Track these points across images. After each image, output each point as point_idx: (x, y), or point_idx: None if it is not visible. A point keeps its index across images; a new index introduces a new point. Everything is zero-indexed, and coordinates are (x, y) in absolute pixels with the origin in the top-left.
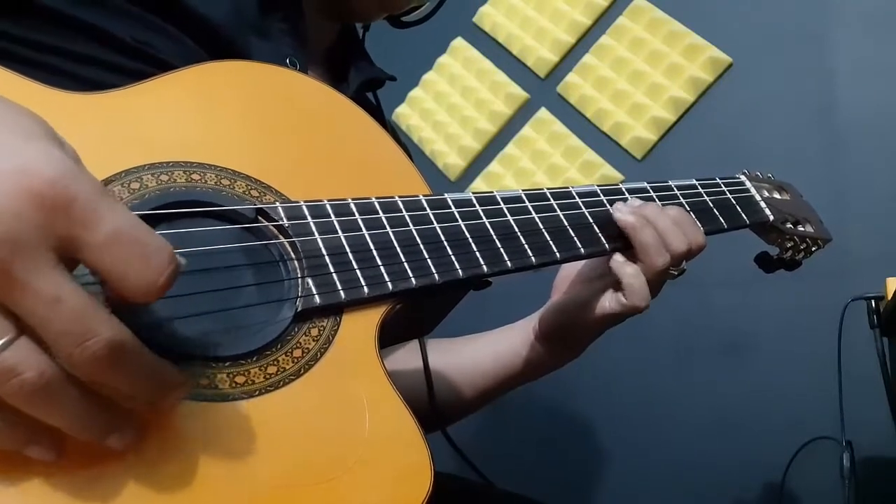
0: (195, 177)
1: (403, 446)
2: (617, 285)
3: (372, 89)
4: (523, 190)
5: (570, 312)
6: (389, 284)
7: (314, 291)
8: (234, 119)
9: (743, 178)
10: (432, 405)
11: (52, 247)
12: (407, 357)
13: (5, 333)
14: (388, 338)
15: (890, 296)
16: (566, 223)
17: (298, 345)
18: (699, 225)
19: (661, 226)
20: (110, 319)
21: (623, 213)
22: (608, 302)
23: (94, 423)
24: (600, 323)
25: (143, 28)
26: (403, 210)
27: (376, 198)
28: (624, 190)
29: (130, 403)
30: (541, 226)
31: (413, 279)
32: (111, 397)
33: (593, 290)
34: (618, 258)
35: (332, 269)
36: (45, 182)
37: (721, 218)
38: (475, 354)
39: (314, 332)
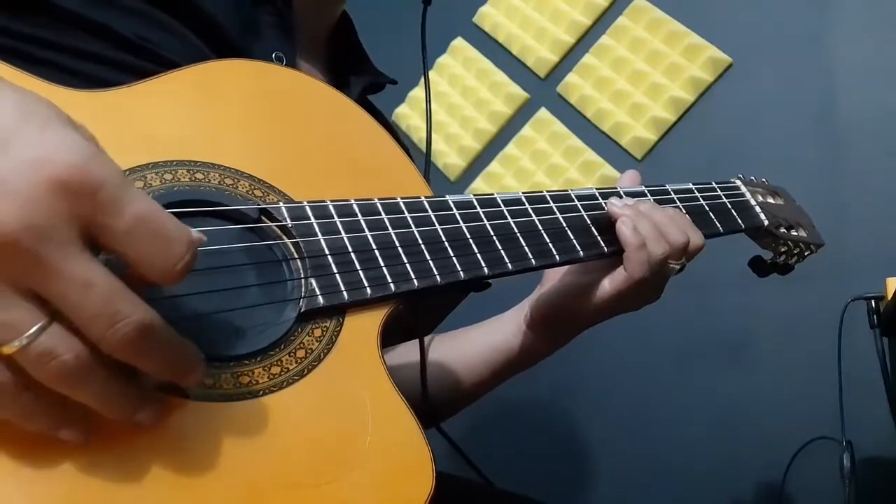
0: (199, 176)
1: (405, 447)
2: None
3: (373, 93)
4: (523, 192)
5: (565, 300)
6: (392, 286)
7: (317, 292)
8: (238, 118)
9: (738, 182)
10: (427, 404)
11: (78, 232)
12: (403, 351)
13: (39, 319)
14: (390, 338)
15: (890, 296)
16: (565, 225)
17: (302, 345)
18: (694, 226)
19: (657, 218)
20: (139, 301)
21: (618, 206)
22: (607, 283)
23: (124, 400)
24: (597, 310)
25: (147, 25)
26: (405, 211)
27: (379, 199)
28: (622, 194)
29: (156, 381)
30: (540, 228)
31: (415, 280)
32: (138, 375)
33: (590, 279)
34: (625, 224)
35: (335, 270)
36: (68, 169)
37: (717, 222)
38: (468, 346)
39: (317, 332)
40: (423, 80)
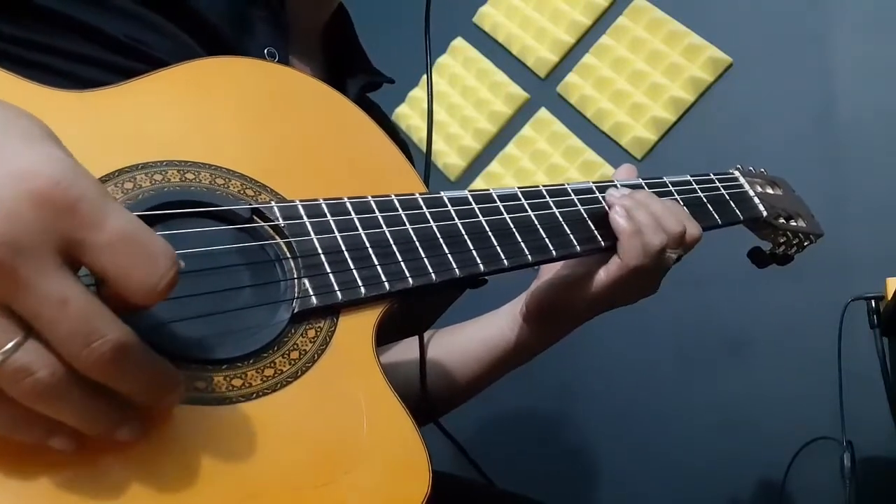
0: (189, 176)
1: (401, 447)
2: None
3: (370, 91)
4: (519, 187)
5: (560, 292)
6: (386, 285)
7: (311, 293)
8: (228, 116)
9: (736, 173)
10: (426, 402)
11: (56, 249)
12: (400, 349)
13: (14, 335)
14: (385, 336)
15: (890, 296)
16: (562, 221)
17: (295, 346)
18: (691, 217)
19: (654, 207)
20: (115, 320)
21: (615, 197)
22: (602, 273)
23: (102, 417)
24: (593, 302)
25: (137, 26)
26: (400, 209)
27: (372, 196)
28: (619, 187)
29: (132, 401)
30: (537, 224)
31: (410, 279)
32: (115, 393)
33: (585, 271)
34: (618, 213)
35: (328, 270)
36: (48, 184)
37: (715, 214)
38: (464, 341)
39: (311, 333)
40: (423, 79)
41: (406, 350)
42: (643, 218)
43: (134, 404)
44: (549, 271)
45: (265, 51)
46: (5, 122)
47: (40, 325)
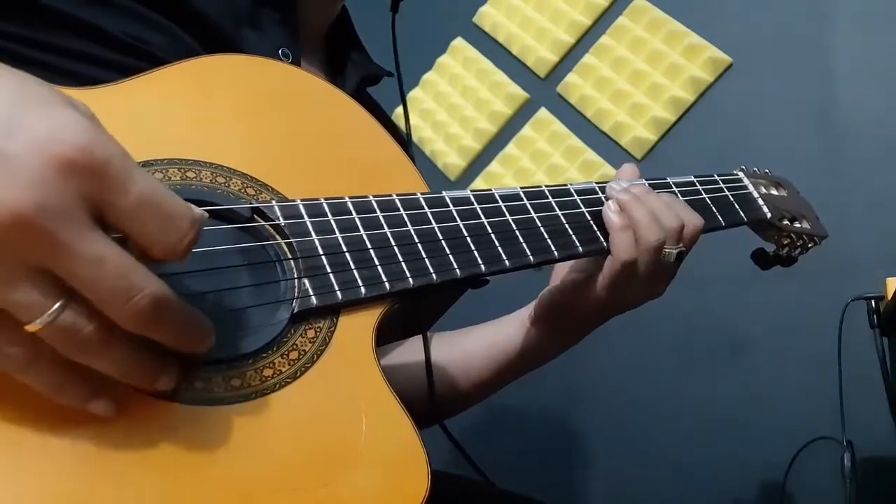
0: (190, 174)
1: (400, 448)
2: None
3: (369, 85)
4: (522, 188)
5: (566, 295)
6: (387, 285)
7: (311, 292)
8: (229, 114)
9: (741, 174)
10: (433, 403)
11: (87, 211)
12: (404, 352)
13: (58, 297)
14: (386, 336)
15: (890, 296)
16: (564, 221)
17: (294, 347)
18: (690, 208)
19: (652, 202)
20: (150, 275)
21: (615, 190)
22: (600, 274)
23: (145, 367)
24: (597, 302)
25: (137, 24)
26: (401, 209)
27: (374, 196)
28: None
29: (169, 350)
30: (539, 224)
31: (410, 279)
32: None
33: (590, 274)
34: (609, 207)
35: (328, 270)
36: (75, 149)
37: (719, 216)
38: (471, 345)
39: (310, 333)
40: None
41: (411, 352)
42: (638, 214)
43: (171, 353)
44: (559, 275)
45: (279, 51)
46: (20, 88)
47: (81, 285)
